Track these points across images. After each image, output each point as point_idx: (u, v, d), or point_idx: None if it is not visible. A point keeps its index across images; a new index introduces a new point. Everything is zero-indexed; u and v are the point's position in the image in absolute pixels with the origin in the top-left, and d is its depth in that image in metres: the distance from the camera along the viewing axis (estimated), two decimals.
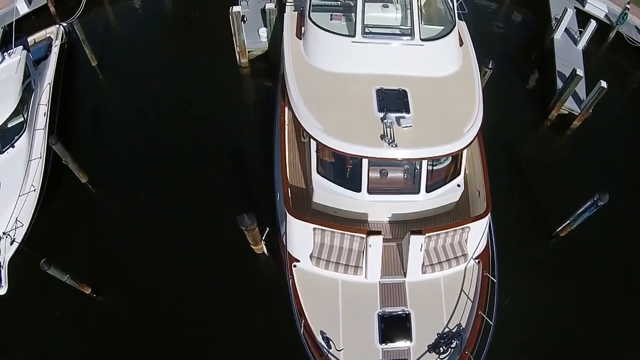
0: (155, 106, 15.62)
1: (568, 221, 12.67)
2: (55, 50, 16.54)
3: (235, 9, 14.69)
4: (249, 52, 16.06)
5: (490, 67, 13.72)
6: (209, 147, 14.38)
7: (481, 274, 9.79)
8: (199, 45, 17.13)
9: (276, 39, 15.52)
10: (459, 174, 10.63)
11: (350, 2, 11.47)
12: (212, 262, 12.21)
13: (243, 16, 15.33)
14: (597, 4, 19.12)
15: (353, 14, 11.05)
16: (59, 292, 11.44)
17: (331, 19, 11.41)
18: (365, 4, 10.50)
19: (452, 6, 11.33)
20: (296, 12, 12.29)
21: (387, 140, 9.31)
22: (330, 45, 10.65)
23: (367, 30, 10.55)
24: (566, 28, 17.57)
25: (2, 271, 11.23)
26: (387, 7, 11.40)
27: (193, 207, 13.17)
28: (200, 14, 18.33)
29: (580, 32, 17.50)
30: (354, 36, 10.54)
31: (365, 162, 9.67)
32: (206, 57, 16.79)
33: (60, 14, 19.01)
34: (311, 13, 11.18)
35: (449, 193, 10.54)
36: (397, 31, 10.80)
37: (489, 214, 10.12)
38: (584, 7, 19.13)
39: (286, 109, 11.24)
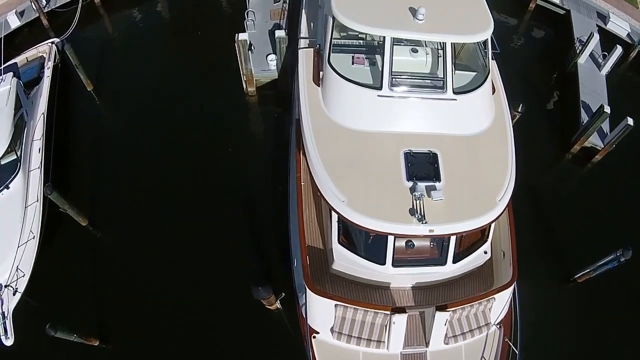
0: (157, 138, 14.71)
1: (588, 270, 12.38)
2: (48, 73, 15.56)
3: (242, 36, 13.57)
4: (256, 80, 15.07)
5: (519, 110, 12.82)
6: (216, 186, 13.55)
7: (502, 340, 9.50)
8: (202, 69, 16.09)
9: (286, 67, 14.56)
10: (486, 241, 10.03)
11: (375, 43, 10.61)
12: (221, 313, 11.68)
13: (250, 44, 14.25)
14: (620, 23, 18.28)
15: (378, 58, 10.20)
16: (67, 344, 10.96)
17: (353, 63, 10.42)
18: (394, 46, 9.57)
19: (486, 48, 10.34)
20: (312, 49, 11.21)
21: (416, 216, 8.57)
22: (353, 99, 9.71)
23: (394, 81, 9.62)
24: (590, 52, 16.72)
25: (7, 322, 10.97)
26: (417, 51, 10.37)
27: (198, 252, 12.45)
28: (203, 32, 17.23)
29: (604, 56, 16.65)
30: (380, 88, 9.57)
31: (391, 237, 8.97)
32: (210, 83, 15.77)
33: (54, 28, 18.02)
34: (331, 56, 10.16)
35: (476, 260, 10.07)
36: (428, 82, 9.87)
37: (515, 282, 9.62)
38: (606, 25, 18.27)
39: (302, 162, 10.38)
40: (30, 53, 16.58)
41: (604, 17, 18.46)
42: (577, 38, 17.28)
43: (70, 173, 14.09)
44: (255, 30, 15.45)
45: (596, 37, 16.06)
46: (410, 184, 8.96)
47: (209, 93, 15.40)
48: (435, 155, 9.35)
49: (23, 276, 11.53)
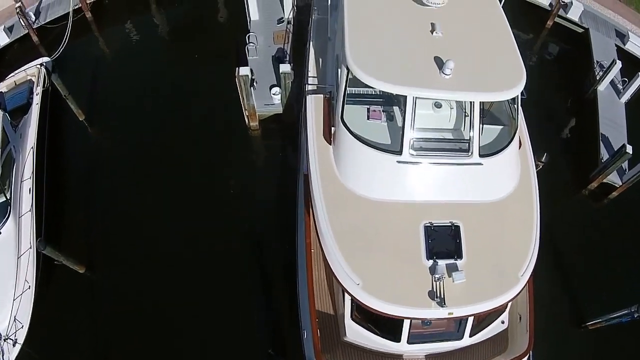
0: (154, 175, 13.82)
1: (600, 319, 11.99)
2: (36, 99, 14.68)
3: (243, 71, 12.52)
4: (259, 114, 14.07)
5: (543, 160, 11.99)
6: (218, 234, 12.67)
7: None
8: (201, 97, 15.07)
9: (292, 102, 13.62)
10: (504, 311, 9.45)
11: (394, 95, 9.46)
12: None
13: (253, 80, 13.20)
14: (639, 42, 17.41)
15: (397, 111, 9.44)
16: None
17: (368, 117, 9.58)
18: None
19: (515, 100, 9.37)
20: (321, 96, 10.29)
21: (436, 300, 7.92)
22: (370, 165, 8.83)
23: (416, 144, 8.74)
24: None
25: None
26: (440, 105, 9.50)
27: (201, 301, 11.75)
28: (201, 55, 16.16)
29: (624, 82, 15.83)
30: (399, 153, 8.67)
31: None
32: (210, 114, 14.77)
33: (45, 44, 17.12)
34: (345, 112, 9.21)
35: (493, 331, 9.52)
36: (452, 145, 9.05)
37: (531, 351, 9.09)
38: (624, 44, 17.40)
39: (311, 227, 9.61)
40: (19, 76, 15.63)
41: (622, 36, 17.58)
42: (597, 61, 16.40)
43: (64, 213, 13.33)
44: (258, 56, 14.45)
45: (618, 65, 15.19)
46: (430, 262, 8.27)
47: (209, 126, 14.46)
48: (457, 228, 8.61)
49: (22, 327, 11.14)
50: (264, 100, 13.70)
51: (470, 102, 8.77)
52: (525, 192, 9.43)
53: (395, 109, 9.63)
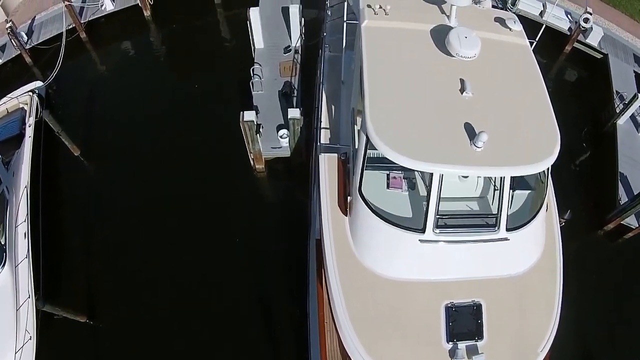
0: (153, 215, 13.08)
1: None
2: (29, 132, 13.95)
3: (247, 116, 11.64)
4: (265, 158, 13.23)
5: (566, 217, 11.39)
6: (222, 288, 11.99)
7: None
8: (202, 133, 14.19)
9: (301, 146, 12.82)
10: None
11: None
12: None
13: (259, 126, 12.30)
14: None
15: (419, 179, 8.83)
16: None
17: (388, 186, 8.91)
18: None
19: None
20: (336, 157, 9.54)
21: None
22: (389, 243, 8.18)
23: (440, 222, 8.05)
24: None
25: None
26: (467, 176, 8.85)
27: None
28: (201, 84, 15.23)
29: None
30: (422, 231, 7.99)
31: None
32: (211, 152, 13.84)
33: (39, 65, 16.43)
34: (363, 184, 8.45)
35: None
36: (479, 220, 8.44)
37: None
38: None
39: (324, 298, 9.04)
40: (10, 104, 14.89)
41: None
42: (617, 91, 15.70)
43: (63, 258, 12.64)
44: (263, 91, 13.56)
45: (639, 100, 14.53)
46: (450, 345, 7.76)
47: (211, 163, 13.57)
48: (479, 307, 8.03)
49: None
50: (271, 142, 12.86)
51: (501, 177, 8.13)
52: (549, 262, 8.83)
53: (418, 176, 9.01)
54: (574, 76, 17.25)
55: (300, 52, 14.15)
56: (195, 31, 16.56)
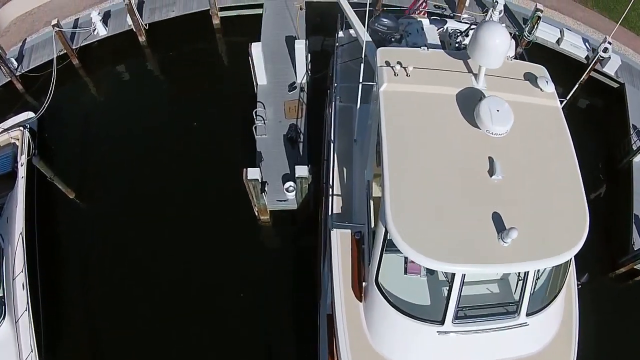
0: (153, 263, 12.58)
1: None
2: (22, 171, 13.26)
3: (251, 174, 10.97)
4: (270, 210, 12.59)
5: (582, 280, 10.97)
6: (228, 343, 11.53)
7: None
8: (201, 171, 13.48)
9: (308, 199, 12.16)
10: None
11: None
12: None
13: (264, 184, 11.67)
14: None
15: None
16: None
17: (406, 271, 8.41)
18: None
19: None
20: (349, 233, 9.04)
21: None
22: (407, 334, 7.81)
23: (459, 312, 7.64)
24: None
25: None
26: None
27: None
28: (201, 122, 14.37)
29: None
30: (441, 323, 7.61)
31: None
32: (212, 197, 13.17)
33: (31, 92, 15.67)
34: (380, 275, 7.95)
35: None
36: (499, 309, 7.94)
37: None
38: None
39: None
40: (1, 139, 14.17)
41: None
42: (633, 125, 15.10)
43: (63, 307, 12.20)
44: (267, 135, 12.82)
45: None
46: None
47: (211, 212, 12.91)
48: None
49: None
50: (276, 194, 12.14)
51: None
52: (565, 338, 8.47)
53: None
54: (588, 107, 16.55)
55: (306, 89, 13.42)
56: (193, 58, 15.73)
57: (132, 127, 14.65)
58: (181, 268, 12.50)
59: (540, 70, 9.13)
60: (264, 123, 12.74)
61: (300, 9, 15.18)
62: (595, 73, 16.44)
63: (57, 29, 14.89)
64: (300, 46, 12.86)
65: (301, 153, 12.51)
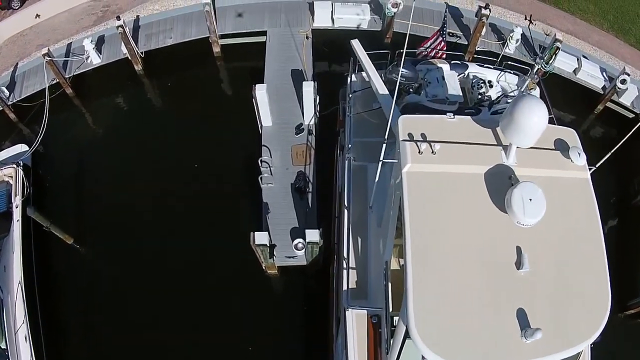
0: (157, 312, 12.16)
1: None
2: (17, 214, 12.74)
3: (259, 239, 10.60)
4: (278, 265, 12.07)
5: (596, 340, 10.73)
6: None
7: None
8: (204, 224, 12.85)
9: (318, 258, 11.62)
10: None
11: None
12: None
13: (272, 247, 11.19)
14: None
15: None
16: None
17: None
18: None
19: None
20: (365, 315, 8.70)
21: None
22: None
23: None
24: None
25: None
26: None
27: None
28: (201, 164, 13.68)
29: None
30: None
31: None
32: (218, 247, 12.54)
33: (25, 122, 15.01)
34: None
35: None
36: None
37: None
38: None
39: None
40: None
41: None
42: None
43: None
44: (274, 184, 12.22)
45: None
46: None
47: (217, 263, 12.42)
48: None
49: None
50: (285, 250, 11.60)
51: None
52: None
53: None
54: (603, 138, 15.94)
55: (314, 132, 12.75)
56: (193, 88, 14.89)
57: (130, 164, 13.97)
58: (185, 316, 12.11)
59: (570, 135, 8.52)
60: (271, 172, 12.13)
61: (307, 37, 14.43)
62: (612, 104, 15.90)
63: (48, 58, 14.04)
64: (309, 89, 12.15)
65: (310, 205, 12.01)
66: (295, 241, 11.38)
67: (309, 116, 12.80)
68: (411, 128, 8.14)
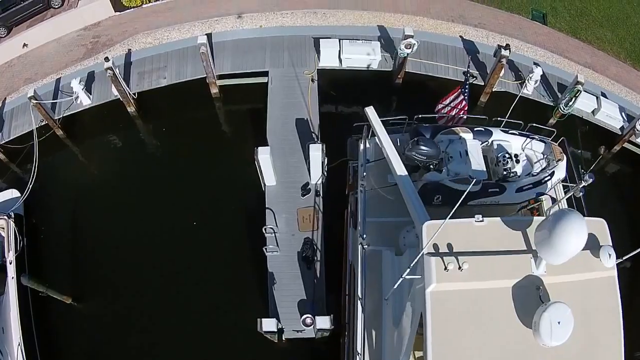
0: None
1: None
2: (11, 271, 12.29)
3: (267, 326, 10.42)
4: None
5: None
6: None
7: None
8: (204, 286, 12.43)
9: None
10: None
11: None
12: None
13: (280, 331, 10.85)
14: None
15: None
16: None
17: None
18: None
19: None
20: None
21: None
22: None
23: None
24: None
25: None
26: None
27: None
28: (199, 222, 12.99)
29: None
30: None
31: None
32: (221, 312, 12.18)
33: (17, 162, 14.29)
34: None
35: None
36: None
37: None
38: None
39: None
40: None
41: None
42: None
43: None
44: (279, 253, 11.59)
45: None
46: None
47: (219, 329, 12.02)
48: None
49: None
50: (292, 324, 11.13)
51: None
52: None
53: None
54: (618, 178, 15.42)
55: (321, 194, 12.03)
56: (190, 132, 14.02)
57: (125, 214, 13.36)
58: None
59: (601, 228, 8.01)
60: (276, 239, 11.53)
61: (312, 80, 13.42)
62: (629, 144, 15.23)
63: (35, 101, 13.09)
64: (317, 153, 11.33)
65: (318, 274, 11.49)
66: (304, 317, 10.92)
67: (316, 177, 12.05)
68: (436, 237, 7.52)
